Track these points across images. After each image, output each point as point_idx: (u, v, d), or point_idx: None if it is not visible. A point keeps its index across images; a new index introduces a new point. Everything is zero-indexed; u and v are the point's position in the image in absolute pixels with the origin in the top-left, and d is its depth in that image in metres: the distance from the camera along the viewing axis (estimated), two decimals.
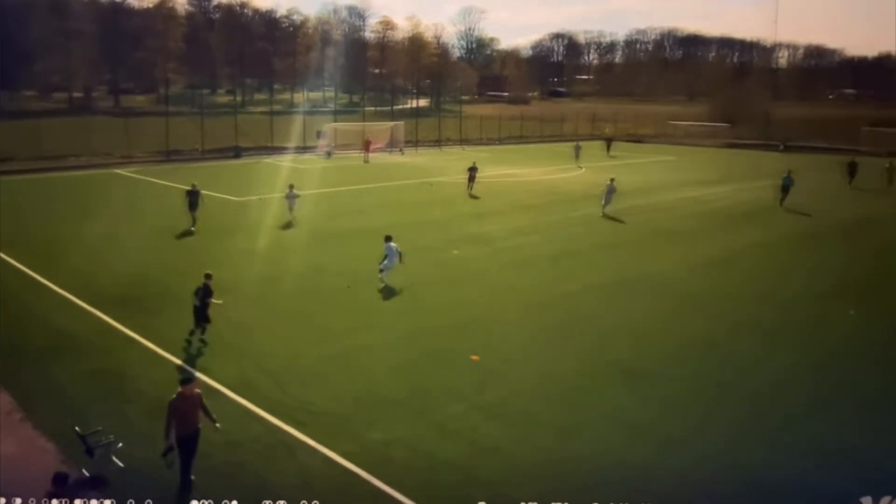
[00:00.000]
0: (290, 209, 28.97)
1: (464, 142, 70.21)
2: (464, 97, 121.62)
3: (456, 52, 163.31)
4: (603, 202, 30.88)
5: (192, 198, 26.76)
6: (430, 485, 10.07)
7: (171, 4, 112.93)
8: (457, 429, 11.76)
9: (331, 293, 19.30)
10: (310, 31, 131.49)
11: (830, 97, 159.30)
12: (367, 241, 25.06)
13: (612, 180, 31.24)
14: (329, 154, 55.72)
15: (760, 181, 42.91)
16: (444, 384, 13.48)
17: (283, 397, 12.67)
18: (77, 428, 10.23)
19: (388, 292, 18.94)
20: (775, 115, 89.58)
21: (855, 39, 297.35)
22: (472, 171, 37.10)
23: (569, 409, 12.59)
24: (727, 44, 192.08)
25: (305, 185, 38.65)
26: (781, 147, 69.86)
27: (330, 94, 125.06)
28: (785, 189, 33.98)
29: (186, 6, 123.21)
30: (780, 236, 28.13)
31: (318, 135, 59.32)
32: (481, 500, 9.72)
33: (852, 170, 42.46)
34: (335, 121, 65.90)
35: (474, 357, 14.68)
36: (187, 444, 9.73)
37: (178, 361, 14.12)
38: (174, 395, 9.77)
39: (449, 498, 9.79)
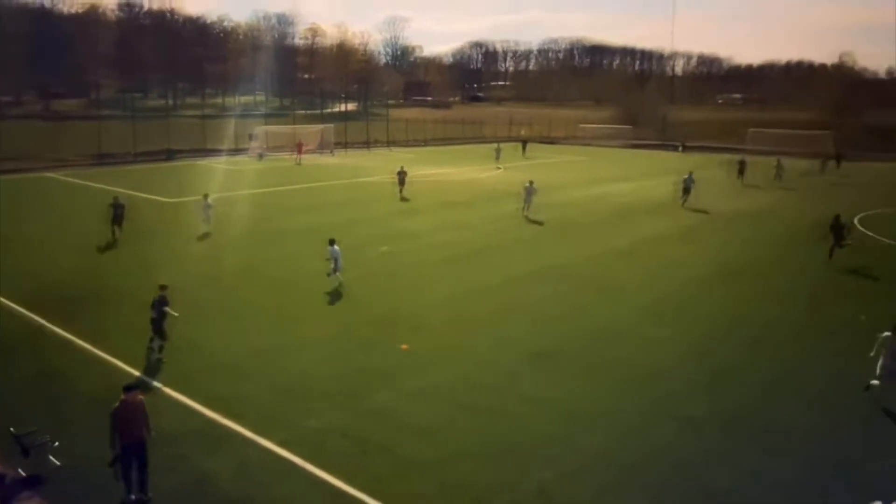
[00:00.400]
0: (206, 220, 25.78)
1: (391, 143, 69.93)
2: (390, 101, 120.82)
3: (382, 59, 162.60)
4: (524, 202, 30.73)
5: (117, 210, 24.13)
6: (363, 468, 10.05)
7: (101, 10, 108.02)
8: (387, 414, 11.77)
9: (267, 290, 18.94)
10: (240, 37, 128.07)
11: (720, 101, 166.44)
12: (303, 239, 24.80)
13: (531, 182, 31.09)
14: (261, 156, 54.48)
15: (662, 178, 44.53)
16: (375, 373, 13.45)
17: (221, 391, 12.37)
18: (11, 429, 9.72)
19: (322, 287, 18.69)
20: (672, 118, 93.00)
21: (742, 49, 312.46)
22: (402, 174, 36.00)
23: (492, 392, 12.78)
24: (629, 53, 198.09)
25: (240, 186, 37.77)
26: (680, 148, 72.56)
27: (261, 97, 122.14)
28: (686, 190, 34.21)
29: (116, 12, 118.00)
30: (679, 228, 29.24)
31: (251, 137, 57.92)
32: (411, 479, 9.79)
33: (742, 168, 44.43)
34: (266, 124, 64.38)
35: (403, 346, 14.71)
36: (133, 452, 9.03)
37: (115, 361, 13.56)
38: (117, 404, 9.12)
39: (381, 479, 9.79)
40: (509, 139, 74.13)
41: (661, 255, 24.26)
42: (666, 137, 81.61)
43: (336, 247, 18.75)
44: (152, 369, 13.25)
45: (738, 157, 48.25)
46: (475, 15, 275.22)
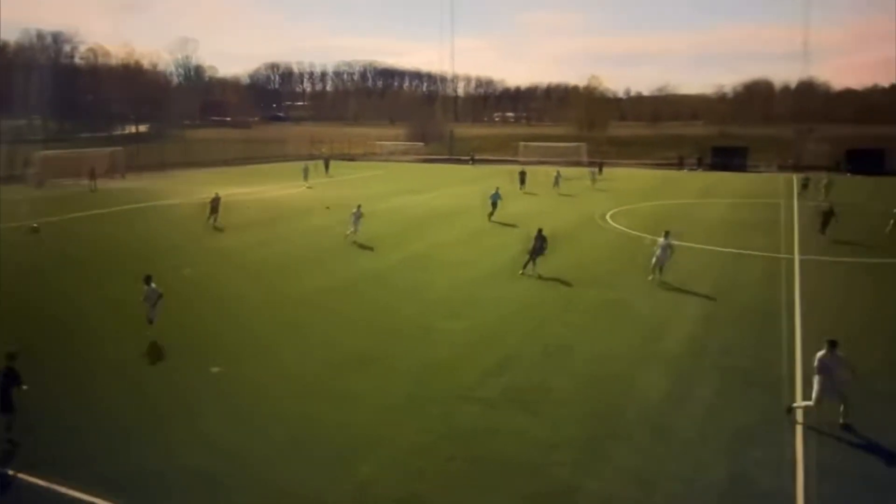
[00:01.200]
0: None
1: (191, 165, 65.49)
2: (186, 122, 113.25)
3: (175, 79, 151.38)
4: (351, 226, 27.79)
5: None
6: (176, 499, 9.34)
7: None
8: (202, 440, 11.02)
9: (61, 320, 16.76)
10: (9, 56, 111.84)
11: (496, 119, 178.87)
12: (99, 265, 22.36)
13: (358, 207, 28.31)
14: (40, 183, 48.09)
15: (455, 188, 46.60)
16: (187, 400, 12.54)
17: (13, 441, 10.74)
18: None
19: (124, 313, 16.95)
20: (457, 134, 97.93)
21: (512, 72, 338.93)
22: (215, 201, 31.79)
23: (308, 399, 12.53)
24: (417, 76, 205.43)
25: (14, 217, 33.01)
26: (471, 161, 76.46)
27: (37, 121, 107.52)
28: (494, 204, 33.78)
29: None
30: (469, 233, 30.90)
31: (26, 163, 50.86)
32: (231, 500, 9.28)
33: (523, 178, 48.07)
34: (46, 149, 56.88)
35: (215, 369, 13.88)
36: None
37: None
38: None
39: None
40: (311, 157, 73.09)
41: (455, 256, 25.45)
42: (453, 152, 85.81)
43: (153, 285, 15.44)
44: None
45: (519, 168, 51.98)
46: (268, 38, 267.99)
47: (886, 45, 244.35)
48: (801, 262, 24.18)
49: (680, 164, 70.29)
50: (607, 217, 35.06)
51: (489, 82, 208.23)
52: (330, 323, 17.15)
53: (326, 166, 63.94)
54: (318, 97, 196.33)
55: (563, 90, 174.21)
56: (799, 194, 43.06)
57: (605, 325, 17.20)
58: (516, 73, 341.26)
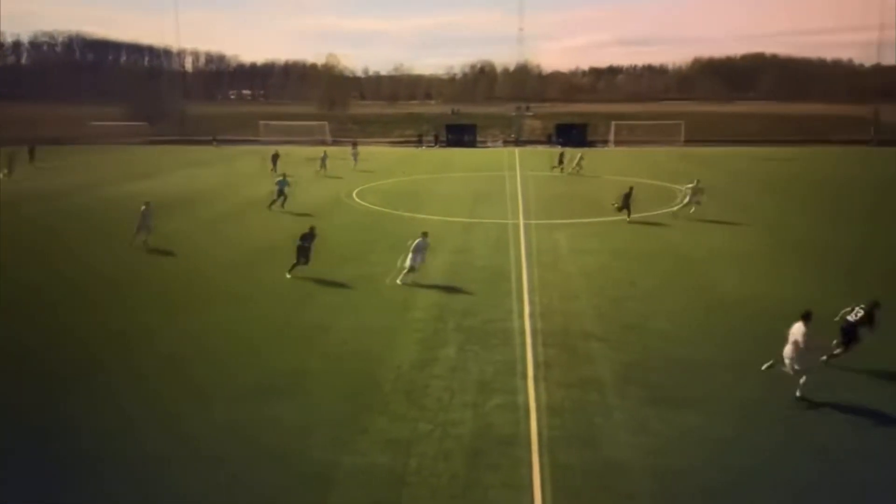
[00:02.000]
0: None
1: None
2: None
3: None
4: (138, 229, 23.04)
5: None
6: None
7: None
8: None
9: None
10: None
11: (232, 96, 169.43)
12: None
13: (147, 204, 23.51)
14: None
15: (193, 171, 42.82)
16: None
17: None
18: None
19: None
20: (189, 113, 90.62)
21: (246, 48, 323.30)
22: None
23: (54, 406, 10.66)
24: (136, 49, 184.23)
25: None
26: (213, 142, 70.93)
27: None
28: (281, 192, 30.32)
29: None
30: (214, 219, 28.95)
31: None
32: None
33: (275, 160, 44.95)
34: None
35: None
36: None
37: None
38: None
39: None
40: (7, 143, 61.32)
41: (201, 244, 23.77)
42: (186, 132, 79.24)
43: None
44: None
45: (271, 149, 48.71)
46: None
47: (587, 32, 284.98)
48: (527, 226, 27.14)
49: (419, 142, 73.97)
50: (354, 194, 35.52)
51: (221, 58, 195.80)
52: (77, 328, 14.86)
53: (31, 154, 53.87)
54: (10, 71, 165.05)
55: (301, 68, 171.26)
56: (554, 167, 46.82)
57: (358, 301, 17.42)
58: (250, 48, 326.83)
